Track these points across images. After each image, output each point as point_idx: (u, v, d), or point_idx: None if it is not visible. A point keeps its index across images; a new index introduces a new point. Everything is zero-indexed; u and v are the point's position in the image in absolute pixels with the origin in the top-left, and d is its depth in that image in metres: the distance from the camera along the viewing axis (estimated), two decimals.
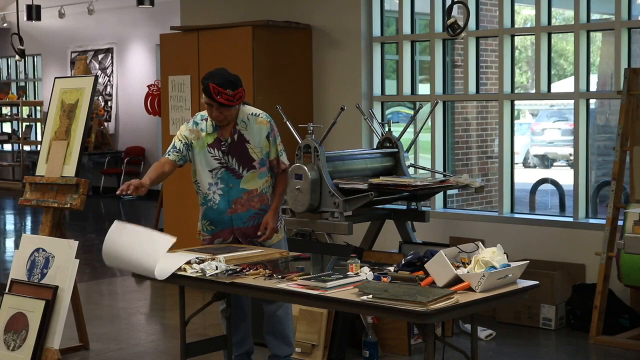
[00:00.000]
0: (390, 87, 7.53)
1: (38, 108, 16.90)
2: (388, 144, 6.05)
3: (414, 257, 3.66)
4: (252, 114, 4.45)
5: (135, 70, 14.86)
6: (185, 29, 7.57)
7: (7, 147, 17.39)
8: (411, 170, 6.10)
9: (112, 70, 15.27)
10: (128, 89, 15.00)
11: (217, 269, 3.81)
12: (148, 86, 10.23)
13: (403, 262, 3.67)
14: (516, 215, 6.55)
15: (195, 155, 4.43)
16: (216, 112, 4.30)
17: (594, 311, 5.58)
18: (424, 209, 6.00)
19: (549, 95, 6.46)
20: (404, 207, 6.03)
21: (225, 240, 4.49)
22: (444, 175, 6.15)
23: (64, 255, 4.92)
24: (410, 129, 6.55)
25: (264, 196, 4.48)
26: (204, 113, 4.46)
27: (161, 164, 4.41)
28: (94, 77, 5.39)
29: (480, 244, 3.68)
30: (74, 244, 4.92)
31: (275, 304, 4.49)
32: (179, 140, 4.44)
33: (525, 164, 14.84)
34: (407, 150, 6.17)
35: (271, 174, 4.52)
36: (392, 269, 3.71)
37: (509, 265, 3.49)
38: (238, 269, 3.82)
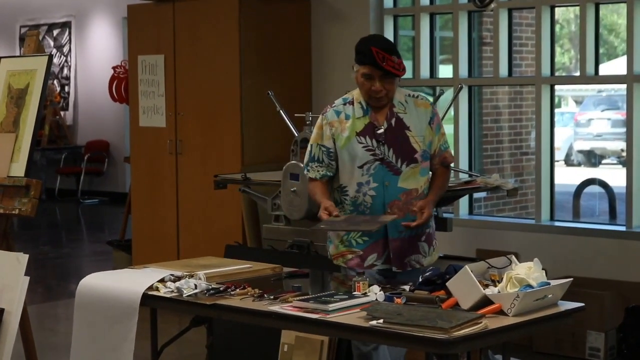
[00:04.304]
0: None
1: None
2: None
3: (433, 273, 3.65)
4: (410, 95, 4.28)
5: (98, 48, 14.86)
6: None
7: None
8: None
9: (70, 49, 15.27)
10: (89, 71, 15.00)
11: (196, 287, 3.80)
12: (113, 68, 10.23)
13: (420, 279, 3.67)
14: (557, 224, 6.55)
15: (340, 152, 4.23)
16: (378, 84, 4.10)
17: None
18: (445, 215, 5.99)
19: (596, 78, 6.46)
20: None
21: (380, 258, 4.22)
22: (470, 175, 6.14)
23: (11, 271, 4.91)
24: None
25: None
26: (347, 96, 4.30)
27: (318, 188, 4.26)
28: (47, 57, 5.38)
29: (513, 257, 3.68)
30: (23, 258, 4.91)
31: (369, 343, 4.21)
32: (317, 145, 4.27)
33: (568, 162, 14.84)
34: None
35: None
36: (407, 287, 3.70)
37: (549, 284, 3.49)
38: (222, 288, 3.82)
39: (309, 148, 4.32)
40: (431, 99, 4.36)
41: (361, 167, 4.18)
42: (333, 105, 4.30)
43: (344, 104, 4.26)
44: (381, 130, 4.18)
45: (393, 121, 4.19)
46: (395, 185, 4.18)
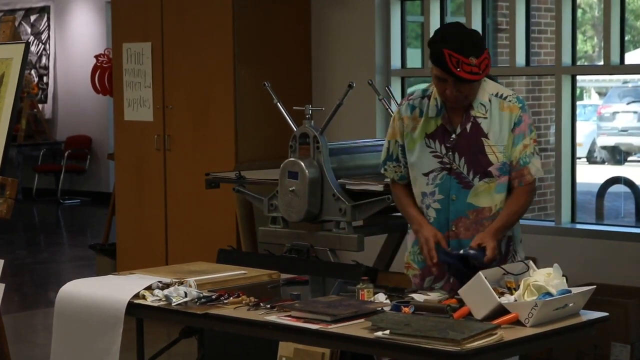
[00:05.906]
0: (413, 58, 7.54)
1: None
2: None
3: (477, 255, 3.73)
4: (497, 94, 3.95)
5: (79, 35, 14.87)
6: None
7: None
8: None
9: (49, 36, 15.27)
10: (69, 60, 15.00)
11: (186, 296, 3.81)
12: (96, 57, 10.22)
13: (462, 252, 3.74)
14: (578, 226, 6.55)
15: (407, 153, 4.02)
16: (452, 89, 3.83)
17: None
18: None
19: (621, 68, 6.46)
20: None
21: (439, 280, 4.00)
22: None
23: None
24: None
25: None
26: (428, 87, 4.03)
27: (403, 195, 4.06)
28: (24, 45, 5.39)
29: (531, 263, 3.69)
30: None
31: None
32: (394, 142, 4.08)
33: (591, 159, 14.85)
34: None
35: None
36: (416, 296, 3.71)
37: (570, 292, 3.49)
38: (214, 296, 3.83)
39: (386, 144, 4.12)
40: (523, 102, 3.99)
41: (427, 174, 3.98)
42: (410, 97, 4.06)
43: (422, 98, 4.02)
44: (452, 137, 3.94)
45: (469, 126, 3.93)
46: (463, 200, 3.94)
